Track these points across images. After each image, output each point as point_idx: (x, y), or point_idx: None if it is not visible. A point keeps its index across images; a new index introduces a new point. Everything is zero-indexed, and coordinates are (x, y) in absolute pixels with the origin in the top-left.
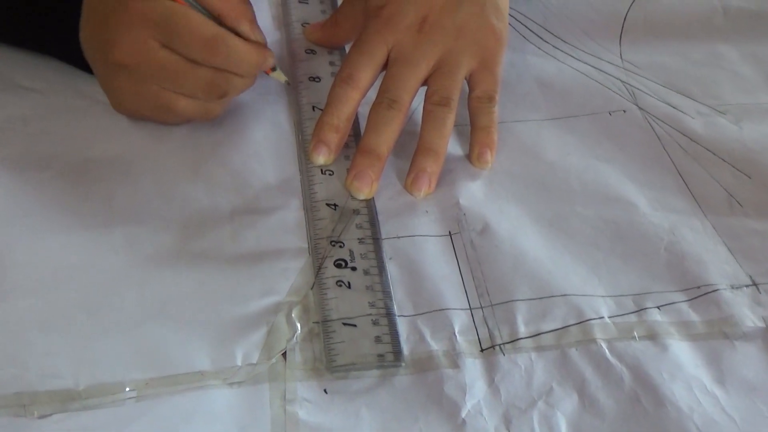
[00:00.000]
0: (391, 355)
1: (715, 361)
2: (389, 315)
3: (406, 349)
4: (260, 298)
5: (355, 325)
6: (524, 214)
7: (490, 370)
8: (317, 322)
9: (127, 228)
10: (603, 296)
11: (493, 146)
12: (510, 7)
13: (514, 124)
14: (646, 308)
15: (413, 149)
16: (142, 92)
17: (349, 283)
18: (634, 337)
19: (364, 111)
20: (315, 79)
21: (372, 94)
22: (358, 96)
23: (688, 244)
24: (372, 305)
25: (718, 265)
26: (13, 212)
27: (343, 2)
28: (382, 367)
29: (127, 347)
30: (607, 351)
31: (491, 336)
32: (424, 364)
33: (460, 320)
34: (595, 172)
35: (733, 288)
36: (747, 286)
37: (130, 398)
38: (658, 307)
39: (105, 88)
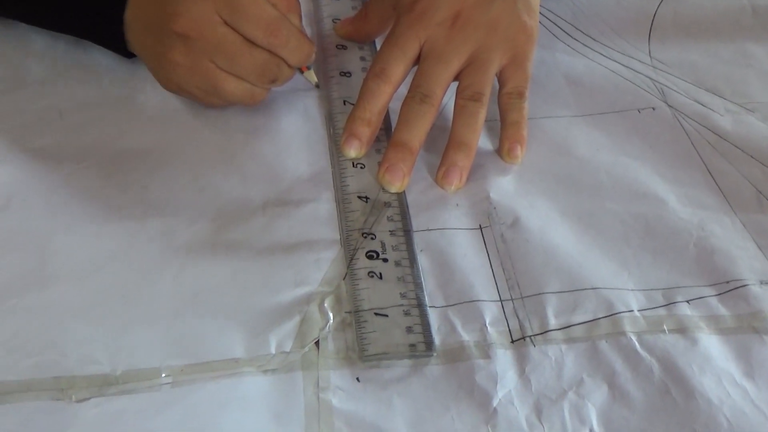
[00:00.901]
0: (422, 345)
1: (745, 355)
2: (420, 306)
3: (437, 339)
4: (293, 288)
5: (386, 316)
6: (554, 209)
7: (521, 361)
8: (349, 312)
9: (161, 218)
10: (633, 290)
11: (523, 141)
12: (540, 5)
13: (543, 120)
14: (675, 302)
15: (444, 144)
16: (196, 67)
17: (380, 274)
18: (663, 331)
19: (395, 106)
20: (346, 74)
21: (403, 90)
22: (391, 90)
23: (717, 239)
24: (403, 296)
25: (747, 261)
26: (51, 202)
27: None
28: (413, 356)
29: (162, 335)
30: (636, 344)
31: (522, 327)
32: (456, 355)
33: (490, 312)
34: (624, 169)
35: (762, 283)
36: None
37: (165, 384)
38: (687, 301)
39: (156, 63)
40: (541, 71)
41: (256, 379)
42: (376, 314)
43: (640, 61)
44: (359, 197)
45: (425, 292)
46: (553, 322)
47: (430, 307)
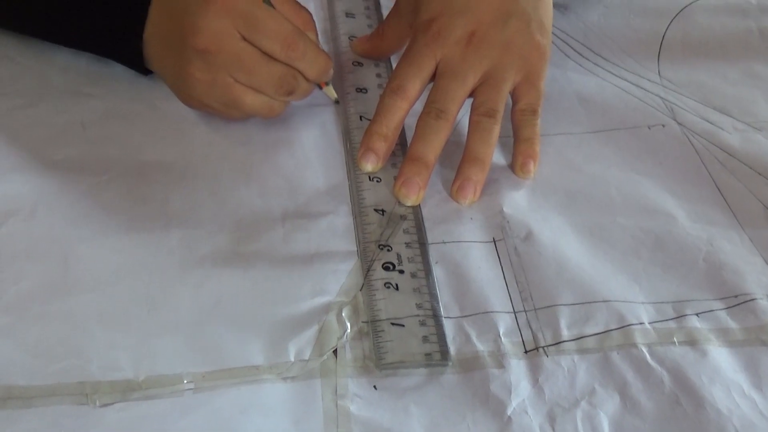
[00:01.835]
0: (438, 355)
1: (753, 367)
2: (436, 316)
3: (452, 349)
4: (311, 298)
5: (403, 325)
6: (566, 223)
7: (534, 371)
8: (366, 322)
9: (183, 230)
10: (643, 303)
11: (536, 157)
12: (552, 25)
13: (556, 137)
14: (685, 315)
15: (459, 159)
16: (215, 82)
17: (396, 285)
18: (674, 343)
19: (410, 122)
20: (362, 90)
21: (418, 106)
22: (407, 106)
23: (725, 255)
24: (419, 306)
25: (755, 275)
26: (74, 212)
27: (388, 16)
28: (429, 365)
29: (184, 342)
30: (647, 355)
31: (535, 338)
32: (471, 364)
33: (504, 323)
34: (634, 185)
35: None
36: None
37: (188, 390)
38: (697, 314)
39: (175, 79)
40: (553, 89)
41: (275, 385)
42: (392, 324)
43: (649, 80)
44: (376, 210)
45: (440, 303)
46: (565, 334)
47: (445, 317)
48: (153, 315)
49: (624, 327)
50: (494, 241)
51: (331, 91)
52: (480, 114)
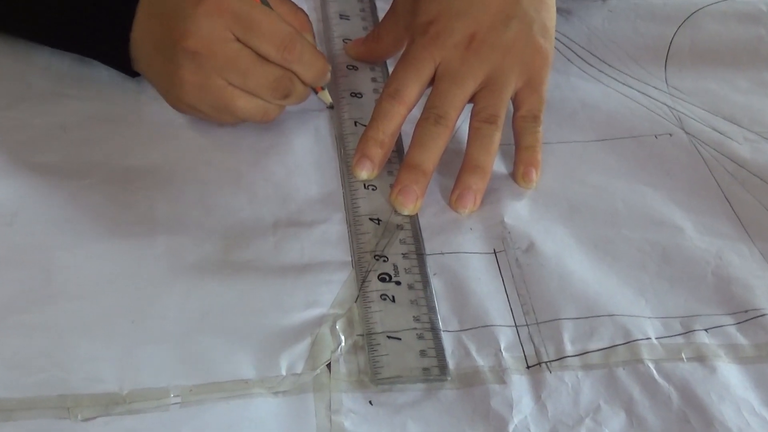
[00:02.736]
0: (436, 369)
1: (764, 384)
2: (434, 329)
3: (451, 363)
4: (304, 309)
5: (399, 339)
6: (569, 235)
7: (537, 387)
8: (361, 335)
9: (169, 237)
10: (650, 317)
11: (538, 165)
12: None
13: (558, 145)
14: (693, 330)
15: (458, 167)
16: (207, 85)
17: (393, 297)
18: (681, 359)
19: (407, 129)
20: (357, 95)
21: (416, 112)
22: (404, 111)
23: (735, 268)
24: (417, 319)
25: (766, 290)
26: (55, 218)
27: (384, 18)
28: (427, 380)
29: (170, 354)
30: (654, 371)
31: (537, 353)
32: (470, 379)
33: (505, 337)
34: (640, 196)
35: None
36: None
37: (174, 404)
38: (706, 330)
39: (166, 82)
40: (555, 95)
41: (266, 400)
42: (388, 337)
43: (656, 87)
44: (371, 219)
45: (439, 316)
46: (569, 349)
47: (443, 331)
48: (138, 325)
49: (630, 342)
50: (495, 253)
51: (326, 96)
52: (480, 120)
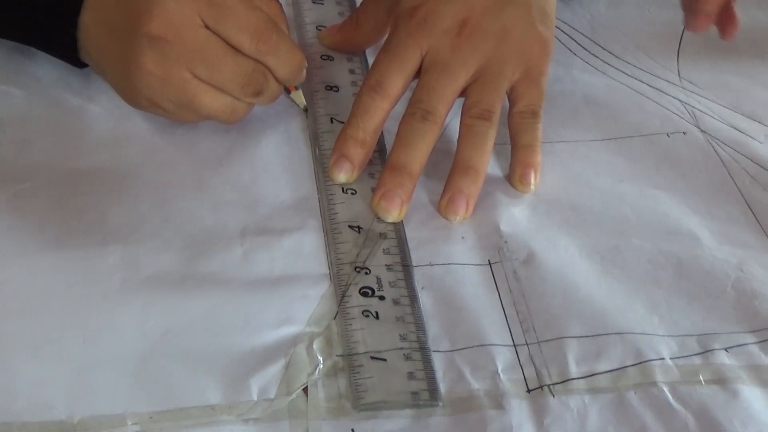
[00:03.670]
0: (426, 393)
1: None
2: (423, 349)
3: (442, 387)
4: (276, 327)
5: (384, 360)
6: (573, 244)
7: (539, 413)
8: (341, 356)
9: (123, 247)
10: (664, 336)
11: (537, 167)
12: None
13: (559, 144)
14: (712, 350)
15: (447, 168)
16: (170, 77)
17: (376, 313)
18: (699, 381)
19: (390, 126)
20: (333, 88)
21: (400, 108)
22: (388, 106)
23: (758, 281)
24: (403, 338)
25: None
26: None
27: (364, 1)
28: (416, 406)
29: (127, 378)
30: (669, 395)
31: (539, 375)
32: (464, 405)
33: (503, 357)
34: (652, 201)
35: None
36: None
37: None
38: (725, 349)
39: (120, 73)
40: (555, 89)
41: (235, 428)
42: (372, 358)
43: (667, 81)
44: (351, 227)
45: (428, 335)
46: (574, 370)
47: (433, 351)
48: (89, 346)
49: (642, 363)
50: (490, 264)
51: (300, 97)
52: (473, 116)
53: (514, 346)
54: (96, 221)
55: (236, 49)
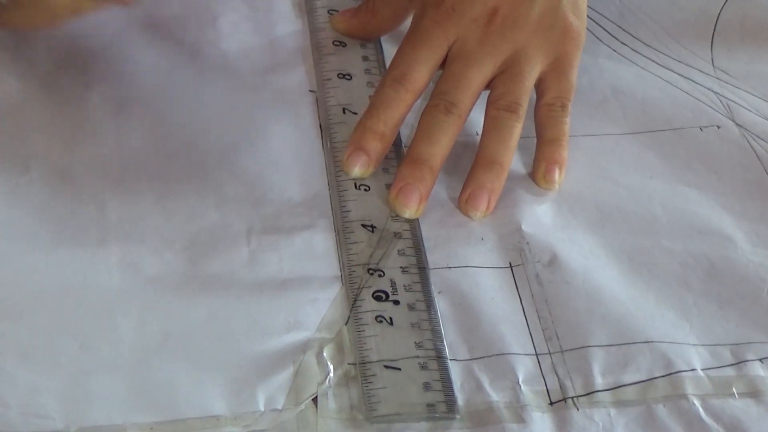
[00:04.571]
0: (443, 405)
1: None
2: (440, 358)
3: (460, 398)
4: (284, 333)
5: (399, 369)
6: (599, 246)
7: (562, 427)
8: (353, 364)
9: (123, 245)
10: (695, 345)
11: (563, 163)
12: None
13: (585, 138)
14: (746, 361)
15: (468, 163)
16: None
17: (390, 319)
18: (732, 394)
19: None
20: (345, 76)
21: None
22: (411, 100)
23: None
24: (419, 346)
25: None
26: None
27: None
28: (432, 418)
29: (126, 385)
30: (701, 409)
31: (562, 387)
32: (483, 417)
33: (524, 367)
34: (683, 199)
35: None
36: None
37: None
38: (761, 360)
39: None
40: (582, 80)
41: None
42: (386, 367)
43: (700, 71)
44: (363, 225)
45: (445, 342)
46: (599, 382)
47: (451, 359)
48: (86, 351)
49: (671, 374)
50: (511, 267)
51: None
52: (499, 108)
53: (536, 355)
54: (94, 217)
55: None
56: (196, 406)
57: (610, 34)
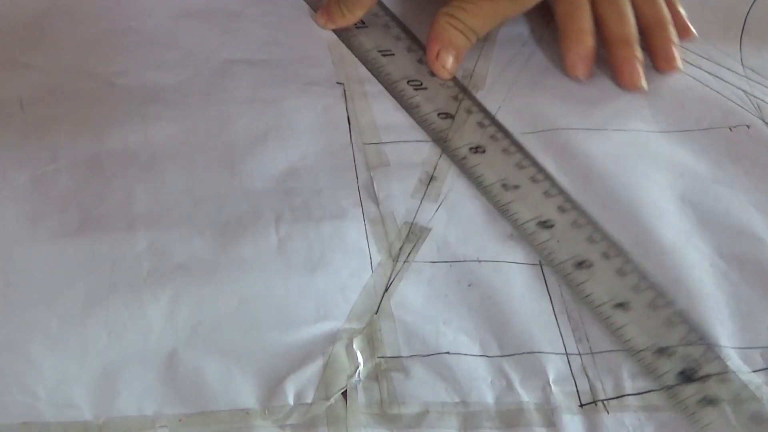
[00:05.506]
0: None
1: None
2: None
3: (490, 396)
4: (314, 323)
5: None
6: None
7: (592, 430)
8: (384, 357)
9: (151, 233)
10: (726, 347)
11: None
12: None
13: (615, 132)
14: None
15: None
16: None
17: None
18: (762, 398)
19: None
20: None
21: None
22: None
23: None
24: None
25: None
26: (13, 210)
27: None
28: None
29: (156, 376)
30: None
31: (592, 389)
32: (513, 418)
33: (554, 367)
34: (713, 198)
35: None
36: None
37: None
38: None
39: None
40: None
41: None
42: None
43: (730, 69)
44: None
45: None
46: (629, 385)
47: (481, 356)
48: (115, 340)
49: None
50: (540, 265)
51: None
52: None
53: (567, 354)
54: (122, 206)
55: None
56: (225, 399)
57: None
